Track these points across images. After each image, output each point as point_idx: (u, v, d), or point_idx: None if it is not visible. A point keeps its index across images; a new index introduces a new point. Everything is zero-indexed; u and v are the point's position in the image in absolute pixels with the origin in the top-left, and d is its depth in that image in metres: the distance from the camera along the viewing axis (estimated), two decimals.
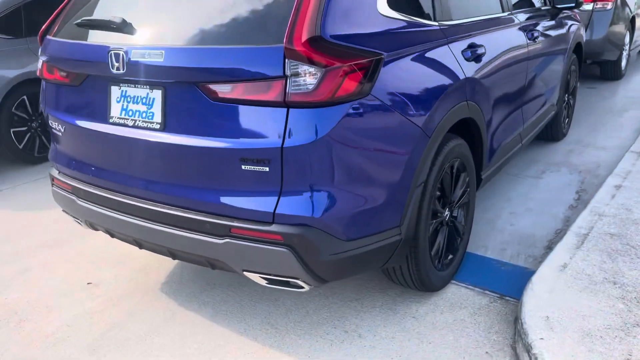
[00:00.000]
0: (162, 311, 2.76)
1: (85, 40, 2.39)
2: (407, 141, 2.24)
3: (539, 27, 3.81)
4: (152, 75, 2.16)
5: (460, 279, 2.91)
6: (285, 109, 1.95)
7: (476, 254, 3.17)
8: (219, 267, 2.30)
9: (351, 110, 2.00)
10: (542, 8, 4.08)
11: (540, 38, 3.78)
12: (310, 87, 1.92)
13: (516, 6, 3.65)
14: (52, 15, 2.64)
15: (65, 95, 2.55)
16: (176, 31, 2.16)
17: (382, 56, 2.10)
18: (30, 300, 2.92)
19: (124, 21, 2.24)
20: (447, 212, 2.75)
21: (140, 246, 2.50)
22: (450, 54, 2.55)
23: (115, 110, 2.34)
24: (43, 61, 2.59)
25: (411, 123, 2.23)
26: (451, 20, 2.70)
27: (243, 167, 2.03)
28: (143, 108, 2.24)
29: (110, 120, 2.35)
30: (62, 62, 2.49)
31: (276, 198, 2.04)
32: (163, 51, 2.10)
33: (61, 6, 2.65)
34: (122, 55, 2.19)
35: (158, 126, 2.21)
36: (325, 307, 2.73)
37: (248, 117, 2.02)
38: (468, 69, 2.66)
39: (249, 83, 1.98)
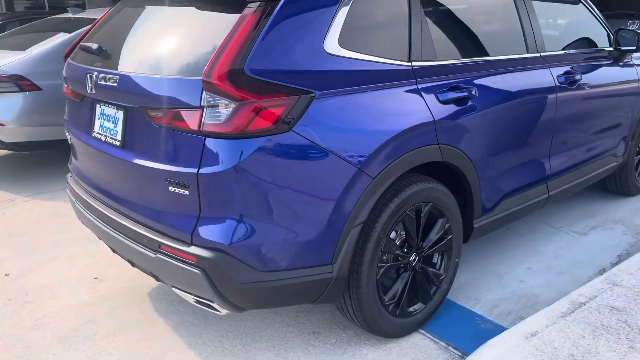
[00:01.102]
0: (137, 313, 2.98)
1: (81, 63, 2.70)
2: (339, 180, 2.22)
3: (588, 71, 3.50)
4: (111, 98, 2.39)
5: (430, 329, 2.77)
6: (202, 138, 2.06)
7: (463, 305, 2.99)
8: (160, 281, 2.45)
9: (265, 145, 2.05)
10: (598, 50, 3.73)
11: (588, 83, 3.46)
12: (223, 118, 2.01)
13: (555, 48, 3.40)
14: (76, 41, 3.00)
15: (72, 109, 2.89)
16: (132, 59, 2.38)
17: (312, 94, 2.13)
18: (43, 285, 3.30)
19: (99, 47, 2.51)
20: (414, 258, 2.65)
21: (114, 251, 2.74)
22: (416, 96, 2.47)
23: (96, 125, 2.60)
24: (63, 79, 2.96)
25: (346, 163, 2.21)
26: (433, 61, 2.61)
27: (170, 188, 2.17)
28: (111, 126, 2.48)
29: (93, 135, 2.62)
30: (68, 80, 2.83)
31: (195, 221, 2.14)
32: (117, 76, 2.32)
33: (84, 33, 3.02)
34: (94, 77, 2.45)
35: (118, 143, 2.42)
36: (280, 336, 2.75)
37: (176, 142, 2.15)
38: (441, 112, 2.55)
39: (176, 111, 2.11)
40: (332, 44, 2.26)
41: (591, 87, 3.54)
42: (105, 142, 2.51)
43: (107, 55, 2.52)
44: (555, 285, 3.18)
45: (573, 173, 3.58)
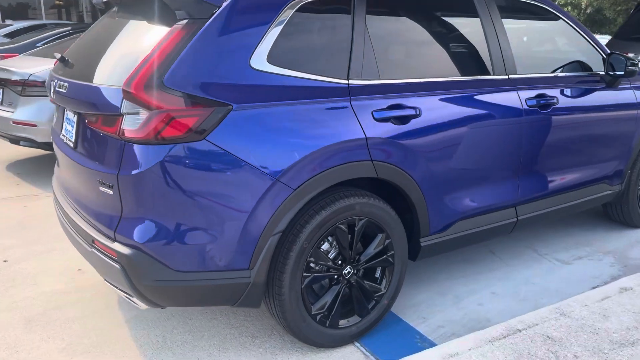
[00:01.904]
0: (101, 304, 3.19)
1: (53, 71, 2.96)
2: (254, 190, 2.32)
3: (571, 95, 3.41)
4: (63, 103, 2.62)
5: (365, 342, 2.79)
6: (122, 142, 2.23)
7: (408, 323, 2.99)
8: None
9: (177, 152, 2.19)
10: (587, 74, 3.61)
11: (569, 107, 3.38)
12: (138, 125, 2.18)
13: (535, 70, 3.35)
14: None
15: (56, 112, 3.16)
16: (80, 68, 2.59)
17: (230, 107, 2.25)
18: (31, 273, 3.60)
19: (63, 57, 2.76)
20: (348, 271, 2.70)
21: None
22: (348, 113, 2.53)
23: (63, 129, 2.85)
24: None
25: (262, 173, 2.31)
26: (375, 79, 2.66)
27: (100, 188, 2.36)
28: (70, 129, 2.71)
29: (61, 137, 2.87)
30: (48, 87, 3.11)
31: (118, 219, 2.32)
32: (67, 84, 2.55)
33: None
34: (53, 84, 2.69)
35: (72, 145, 2.65)
36: (221, 336, 2.87)
37: (104, 145, 2.35)
38: (377, 129, 2.59)
39: (104, 116, 2.31)
40: (260, 60, 2.38)
41: (574, 111, 3.44)
42: (66, 144, 2.75)
43: (67, 65, 2.76)
44: (513, 312, 3.10)
45: (551, 199, 3.48)
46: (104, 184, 2.33)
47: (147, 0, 2.51)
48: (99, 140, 2.39)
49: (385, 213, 2.73)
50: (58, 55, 2.87)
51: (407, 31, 2.95)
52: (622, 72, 3.53)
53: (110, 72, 2.40)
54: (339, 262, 2.69)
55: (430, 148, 2.81)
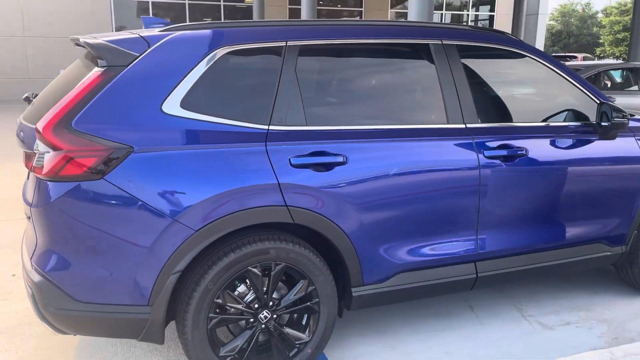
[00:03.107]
0: None
1: None
2: (152, 229, 2.41)
3: (550, 146, 3.17)
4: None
5: None
6: (38, 178, 2.43)
7: None
8: None
9: (76, 190, 2.35)
10: (575, 124, 3.33)
11: (546, 159, 3.15)
12: (43, 163, 2.36)
13: (505, 119, 3.17)
14: None
15: None
16: (31, 109, 2.82)
17: (131, 149, 2.38)
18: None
19: (27, 97, 3.05)
20: (265, 315, 2.69)
21: None
22: (262, 158, 2.56)
23: None
24: None
25: (160, 213, 2.40)
26: (300, 126, 2.68)
27: (28, 219, 2.58)
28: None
29: None
30: None
31: (34, 247, 2.51)
32: (19, 122, 2.80)
33: None
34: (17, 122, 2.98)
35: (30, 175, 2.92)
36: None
37: (32, 179, 2.56)
38: (293, 175, 2.59)
39: (27, 153, 2.53)
40: (172, 105, 2.50)
41: (551, 164, 3.19)
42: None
43: (30, 106, 3.05)
44: None
45: (525, 257, 3.23)
46: (28, 214, 2.54)
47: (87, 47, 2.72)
48: (30, 176, 2.63)
49: (307, 259, 2.70)
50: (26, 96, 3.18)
51: (344, 78, 2.94)
52: (607, 124, 3.22)
53: (40, 113, 2.64)
54: (256, 306, 2.69)
55: (360, 197, 2.75)
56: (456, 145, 2.97)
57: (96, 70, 2.49)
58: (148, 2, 18.82)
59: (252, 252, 2.58)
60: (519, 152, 3.08)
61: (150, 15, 17.86)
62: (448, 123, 2.99)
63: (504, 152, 3.04)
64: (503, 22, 23.22)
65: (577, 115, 3.39)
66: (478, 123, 3.05)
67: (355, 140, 2.76)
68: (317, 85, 2.84)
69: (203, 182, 2.48)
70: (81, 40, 2.59)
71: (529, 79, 3.47)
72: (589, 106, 3.37)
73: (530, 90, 3.54)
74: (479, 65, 3.27)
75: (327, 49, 2.87)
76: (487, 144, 3.02)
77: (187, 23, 2.73)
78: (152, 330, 2.53)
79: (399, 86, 3.07)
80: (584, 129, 3.34)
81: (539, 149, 3.17)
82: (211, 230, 2.49)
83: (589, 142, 3.32)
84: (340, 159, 2.70)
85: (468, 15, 24.04)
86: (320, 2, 22.02)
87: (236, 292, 2.67)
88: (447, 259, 3.03)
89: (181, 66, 2.55)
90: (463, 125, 3.01)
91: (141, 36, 2.58)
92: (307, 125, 2.70)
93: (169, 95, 2.50)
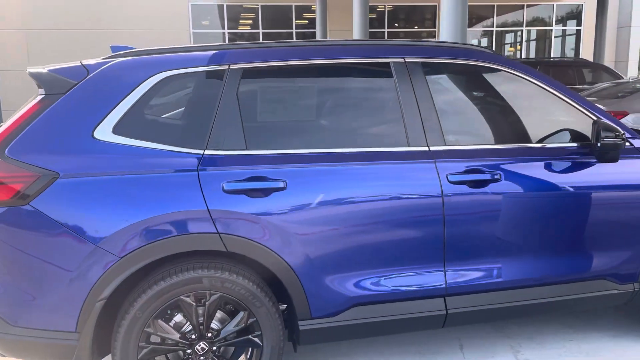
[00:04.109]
0: None
1: None
2: (76, 255, 2.40)
3: (525, 172, 2.86)
4: None
5: None
6: None
7: None
8: None
9: (4, 214, 2.39)
10: (565, 146, 2.97)
11: (520, 184, 2.84)
12: None
13: (480, 141, 2.90)
14: None
15: None
16: None
17: (56, 175, 2.40)
18: None
19: None
20: (203, 347, 2.59)
21: None
22: (192, 183, 2.49)
23: None
24: None
25: (83, 239, 2.39)
26: (239, 150, 2.59)
27: None
28: None
29: None
30: None
31: None
32: None
33: None
34: None
35: None
36: None
37: None
38: (226, 201, 2.49)
39: None
40: (104, 131, 2.50)
41: (533, 190, 2.87)
42: None
43: None
44: None
45: (506, 293, 2.91)
46: None
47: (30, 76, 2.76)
48: None
49: (245, 290, 2.58)
50: None
51: (292, 100, 2.82)
52: (599, 144, 2.84)
53: None
54: (192, 336, 2.60)
55: (303, 225, 2.60)
56: (415, 169, 2.74)
57: (36, 99, 2.55)
58: (223, 6, 19.55)
59: (183, 280, 2.51)
60: (491, 177, 2.79)
61: (226, 19, 18.62)
62: (409, 146, 2.77)
63: (472, 177, 2.77)
64: (591, 37, 21.93)
65: (575, 135, 3.04)
66: (444, 145, 2.81)
67: (297, 165, 2.63)
68: (261, 108, 2.75)
69: (127, 208, 2.44)
70: (27, 70, 2.67)
71: (510, 96, 3.17)
72: (587, 125, 3.01)
73: (514, 108, 3.22)
74: (450, 84, 3.04)
75: (274, 71, 2.77)
76: (453, 168, 2.77)
77: (134, 50, 2.74)
78: (81, 357, 2.50)
79: (353, 108, 2.90)
80: (578, 151, 2.98)
81: (519, 173, 2.86)
82: (136, 258, 2.44)
83: (583, 165, 2.96)
84: (279, 185, 2.57)
85: (552, 30, 22.93)
86: (396, 25, 21.94)
87: (172, 322, 2.60)
88: (409, 293, 2.79)
89: (117, 92, 2.55)
90: (426, 148, 2.78)
91: (82, 64, 2.62)
92: (246, 150, 2.61)
93: (101, 121, 2.51)
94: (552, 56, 21.35)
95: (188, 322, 2.59)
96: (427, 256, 2.78)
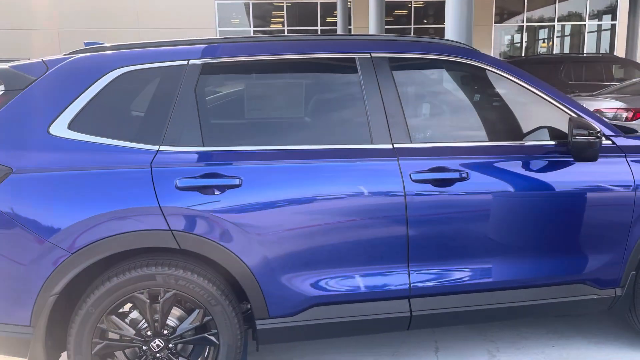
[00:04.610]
0: None
1: None
2: (28, 250, 2.41)
3: (493, 170, 2.75)
4: None
5: None
6: None
7: None
8: None
9: None
10: (537, 144, 2.85)
11: (488, 183, 2.74)
12: None
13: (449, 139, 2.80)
14: None
15: None
16: None
17: (9, 170, 2.42)
18: None
19: None
20: (158, 344, 2.58)
21: None
22: (145, 179, 2.47)
23: None
24: None
25: (34, 234, 2.40)
26: (196, 146, 2.56)
27: None
28: None
29: None
30: None
31: None
32: None
33: None
34: None
35: None
36: None
37: None
38: (179, 198, 2.47)
39: None
40: (60, 127, 2.51)
41: (507, 189, 2.76)
42: None
43: None
44: None
45: (475, 295, 2.81)
46: None
47: None
48: None
49: (200, 287, 2.56)
50: None
51: (252, 96, 2.78)
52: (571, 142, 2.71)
53: None
54: (148, 333, 2.59)
55: (258, 223, 2.56)
56: (376, 167, 2.67)
57: None
58: (249, 4, 19.64)
59: (136, 277, 2.50)
60: (458, 176, 2.70)
61: (252, 17, 18.71)
62: (372, 143, 2.70)
63: (437, 176, 2.68)
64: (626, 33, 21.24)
65: (554, 133, 2.92)
66: (409, 143, 2.72)
67: (254, 162, 2.59)
68: (220, 104, 2.72)
69: (79, 204, 2.45)
70: None
71: (484, 93, 3.06)
72: (566, 122, 2.88)
73: (487, 105, 3.10)
74: (420, 80, 2.95)
75: (234, 67, 2.74)
76: (417, 166, 2.68)
77: (95, 46, 2.75)
78: (36, 351, 2.52)
79: (316, 104, 2.84)
80: (555, 149, 2.86)
81: (488, 172, 2.76)
82: (87, 254, 2.44)
83: (559, 164, 2.83)
84: (235, 182, 2.54)
85: (585, 25, 22.27)
86: (424, 22, 21.69)
87: (128, 319, 2.59)
88: (372, 294, 2.73)
89: (74, 88, 2.56)
90: (390, 146, 2.70)
91: (43, 60, 2.63)
92: (203, 146, 2.59)
93: (57, 117, 2.52)
94: (585, 52, 20.74)
95: (143, 319, 2.58)
96: (389, 257, 2.70)
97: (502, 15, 21.86)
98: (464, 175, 2.70)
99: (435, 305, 2.78)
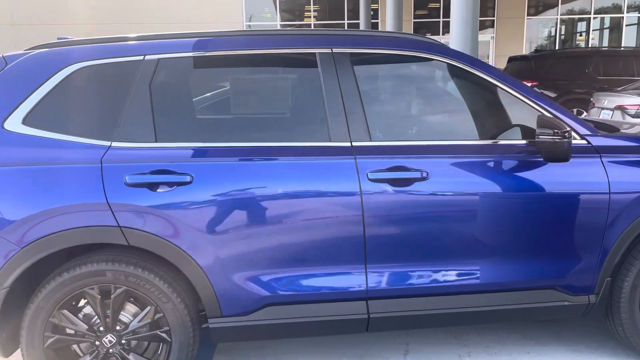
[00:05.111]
0: None
1: None
2: None
3: (453, 170, 2.65)
4: None
5: None
6: None
7: None
8: None
9: None
10: (505, 144, 2.73)
11: (448, 183, 2.64)
12: None
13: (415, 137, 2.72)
14: None
15: None
16: None
17: None
18: None
19: None
20: (110, 339, 2.59)
21: None
22: (94, 175, 2.47)
23: None
24: None
25: None
26: (148, 142, 2.55)
27: None
28: None
29: None
30: None
31: None
32: None
33: None
34: None
35: None
36: None
37: None
38: (128, 194, 2.46)
39: None
40: (14, 122, 2.53)
41: (470, 189, 2.65)
42: None
43: None
44: None
45: (438, 299, 2.72)
46: None
47: None
48: None
49: (150, 284, 2.55)
50: None
51: (207, 91, 2.74)
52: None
53: None
54: (101, 329, 2.59)
55: (209, 220, 2.53)
56: (332, 166, 2.61)
57: None
58: None
59: (86, 273, 2.51)
60: (417, 176, 2.61)
61: (279, 11, 18.74)
62: (330, 141, 2.64)
63: (395, 175, 2.60)
64: None
65: (527, 132, 2.80)
66: (369, 141, 2.65)
67: (207, 159, 2.56)
68: (175, 100, 2.70)
69: (30, 198, 2.47)
70: None
71: (450, 89, 2.95)
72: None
73: (453, 102, 2.99)
74: (383, 76, 2.86)
75: (190, 63, 2.71)
76: (375, 165, 2.61)
77: (55, 41, 2.76)
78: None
79: (274, 100, 2.79)
80: (525, 149, 2.73)
81: (450, 172, 2.66)
82: (36, 248, 2.46)
83: (527, 164, 2.71)
84: (185, 179, 2.51)
85: (623, 18, 21.47)
86: None
87: (82, 314, 2.61)
88: (328, 295, 2.67)
89: (30, 83, 2.58)
90: (348, 144, 2.63)
91: (2, 56, 2.66)
92: (155, 142, 2.57)
93: (12, 112, 2.54)
94: (622, 46, 19.99)
95: (96, 315, 2.59)
96: (346, 258, 2.64)
97: (537, 8, 21.29)
98: (424, 174, 2.61)
99: (394, 308, 2.71)
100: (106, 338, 2.59)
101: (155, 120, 2.58)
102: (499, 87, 2.78)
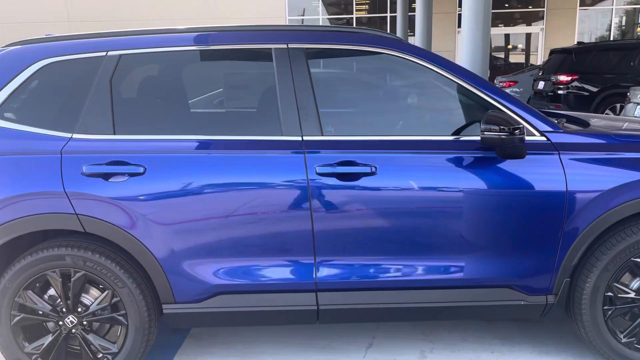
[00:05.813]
0: None
1: None
2: None
3: (403, 165, 2.65)
4: None
5: None
6: None
7: None
8: None
9: None
10: (458, 140, 2.70)
11: (395, 179, 2.64)
12: None
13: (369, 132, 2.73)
14: None
15: None
16: None
17: None
18: None
19: None
20: (72, 320, 2.74)
21: None
22: (52, 165, 2.61)
23: None
24: None
25: None
26: (107, 134, 2.68)
27: None
28: None
29: None
30: None
31: None
32: None
33: None
34: None
35: None
36: None
37: None
38: (85, 183, 2.60)
39: None
40: None
41: (417, 185, 2.64)
42: None
43: None
44: None
45: (387, 293, 2.74)
46: None
47: None
48: None
49: (107, 269, 2.69)
50: None
51: (163, 86, 2.84)
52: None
53: None
54: (64, 310, 2.75)
55: (161, 210, 2.64)
56: (281, 159, 2.66)
57: None
58: None
59: (46, 257, 2.67)
60: (365, 170, 2.63)
61: (321, 5, 18.76)
62: (282, 135, 2.69)
63: (342, 170, 2.63)
64: None
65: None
66: (320, 136, 2.69)
67: (159, 151, 2.67)
68: (135, 94, 2.81)
69: None
70: None
71: (406, 85, 2.93)
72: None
73: (409, 98, 2.96)
74: (339, 71, 2.88)
75: (151, 58, 2.82)
76: (323, 159, 2.64)
77: (28, 39, 2.92)
78: None
79: (229, 95, 2.87)
80: (479, 145, 2.69)
81: (400, 167, 2.66)
82: (1, 233, 2.63)
83: (481, 160, 2.67)
84: (139, 170, 2.63)
85: None
86: (506, 5, 20.74)
87: (46, 295, 2.77)
88: (277, 285, 2.73)
89: (1, 78, 2.75)
90: (299, 138, 2.68)
91: None
92: (113, 134, 2.70)
93: None
94: None
95: (58, 296, 2.75)
96: (295, 250, 2.69)
97: None
98: (372, 169, 2.63)
99: (343, 301, 2.74)
100: (68, 319, 2.75)
101: (114, 113, 2.71)
102: (456, 82, 2.75)
